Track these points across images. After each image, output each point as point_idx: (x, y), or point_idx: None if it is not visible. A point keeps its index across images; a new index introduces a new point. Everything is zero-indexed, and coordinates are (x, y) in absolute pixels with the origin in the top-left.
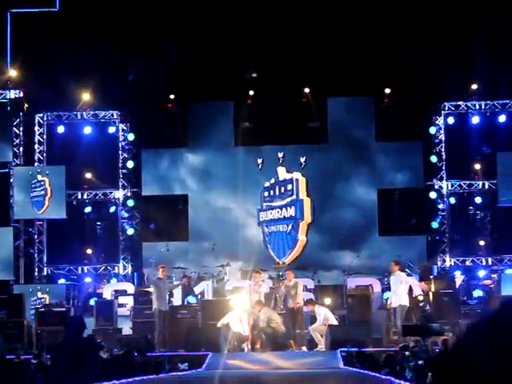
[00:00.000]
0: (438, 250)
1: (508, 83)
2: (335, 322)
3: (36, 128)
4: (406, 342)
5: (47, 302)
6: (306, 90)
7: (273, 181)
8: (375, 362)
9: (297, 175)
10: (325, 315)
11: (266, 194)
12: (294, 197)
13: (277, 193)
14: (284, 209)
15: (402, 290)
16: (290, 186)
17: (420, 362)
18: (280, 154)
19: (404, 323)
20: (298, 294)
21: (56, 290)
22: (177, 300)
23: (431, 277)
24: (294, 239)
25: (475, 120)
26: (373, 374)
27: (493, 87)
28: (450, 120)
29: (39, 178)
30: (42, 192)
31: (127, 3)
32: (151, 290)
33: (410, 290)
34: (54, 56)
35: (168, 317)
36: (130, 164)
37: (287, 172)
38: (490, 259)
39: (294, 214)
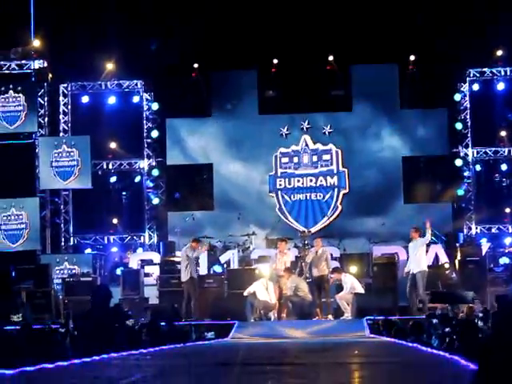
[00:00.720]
0: (464, 217)
1: None
2: (362, 291)
3: (60, 98)
4: (431, 310)
5: (74, 272)
6: (330, 58)
7: (295, 148)
8: (401, 329)
9: (331, 146)
10: (351, 284)
11: (286, 160)
12: (334, 167)
13: (305, 161)
14: (321, 177)
15: (421, 255)
16: (327, 156)
17: (447, 330)
18: (305, 122)
19: (432, 290)
20: (326, 261)
21: (82, 259)
22: (203, 269)
23: (457, 244)
24: (334, 207)
25: (500, 86)
26: (399, 341)
27: None
28: (475, 87)
29: (66, 148)
30: (73, 163)
31: None
32: (177, 259)
33: (436, 257)
34: (77, 26)
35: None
36: (155, 133)
37: (312, 140)
38: None
39: (336, 183)
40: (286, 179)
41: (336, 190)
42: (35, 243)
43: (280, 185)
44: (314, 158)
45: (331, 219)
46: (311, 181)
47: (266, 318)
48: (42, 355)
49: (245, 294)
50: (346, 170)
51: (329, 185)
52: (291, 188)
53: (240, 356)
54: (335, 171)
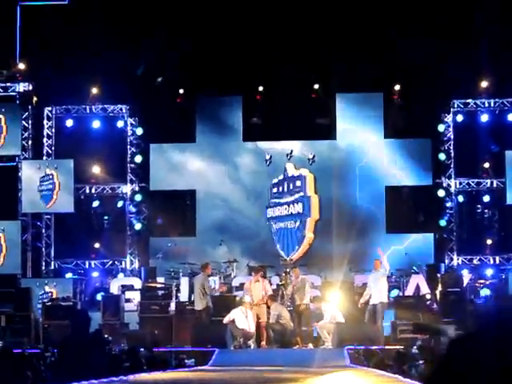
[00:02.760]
0: (446, 248)
1: None
2: (342, 320)
3: (45, 121)
4: (412, 340)
5: (54, 297)
6: (316, 86)
7: (281, 177)
8: (381, 360)
9: (305, 171)
10: (331, 313)
11: (275, 190)
12: (302, 193)
13: (285, 189)
14: (292, 205)
15: (382, 286)
16: (298, 183)
17: (421, 362)
18: (288, 150)
19: (414, 321)
20: (305, 291)
21: (63, 284)
22: (184, 296)
23: (438, 275)
24: (301, 236)
25: (484, 118)
26: (380, 371)
27: (502, 85)
28: (459, 118)
29: (47, 171)
30: (51, 186)
31: None
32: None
33: (418, 288)
34: (63, 49)
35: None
36: (138, 158)
37: (295, 168)
38: (497, 258)
39: (301, 211)
40: (274, 208)
41: (302, 217)
42: (16, 267)
43: (269, 214)
44: (291, 186)
45: (301, 249)
46: (286, 209)
47: (246, 346)
48: (22, 381)
49: (224, 321)
50: (311, 196)
51: (296, 212)
52: (276, 216)
53: None
54: (302, 198)
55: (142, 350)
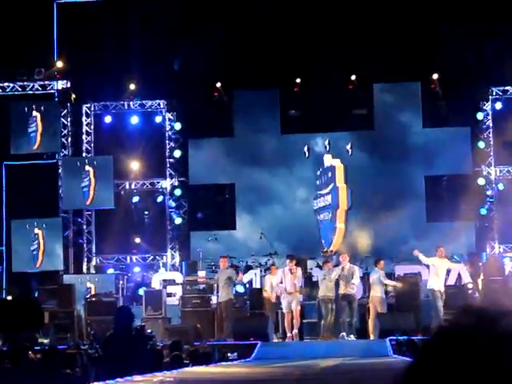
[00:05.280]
0: (487, 236)
1: None
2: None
3: (83, 118)
4: None
5: (97, 292)
6: (353, 77)
7: (322, 169)
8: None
9: (335, 162)
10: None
11: (318, 182)
12: (332, 184)
13: (323, 181)
14: (326, 196)
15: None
16: (329, 174)
17: None
18: (326, 142)
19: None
20: (355, 279)
21: (105, 279)
22: None
23: (480, 264)
24: (334, 227)
25: None
26: None
27: None
28: (498, 105)
29: (88, 168)
30: (87, 183)
31: None
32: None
33: (459, 277)
34: (100, 46)
35: (230, 308)
36: (177, 153)
37: (332, 159)
38: None
39: (330, 202)
40: (316, 200)
41: (332, 209)
42: (58, 263)
43: (314, 205)
44: (325, 177)
45: (335, 240)
46: (323, 201)
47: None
48: (67, 378)
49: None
50: (339, 186)
51: (327, 204)
52: (317, 209)
53: (264, 379)
54: (332, 189)
55: (184, 344)
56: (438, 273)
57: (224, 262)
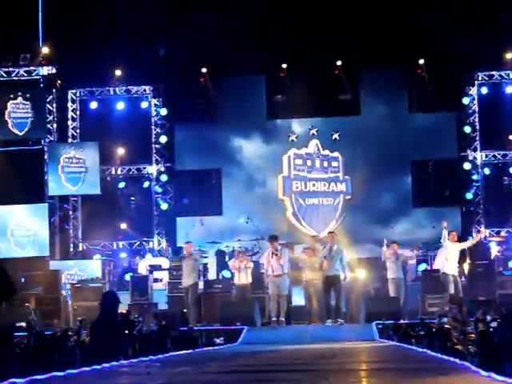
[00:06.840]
0: (473, 221)
1: None
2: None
3: (69, 104)
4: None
5: (83, 278)
6: (338, 63)
7: (307, 151)
8: (409, 334)
9: (338, 154)
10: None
11: (300, 162)
12: (341, 174)
13: (317, 165)
14: (332, 183)
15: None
16: (335, 163)
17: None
18: (312, 127)
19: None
20: (341, 261)
21: (91, 265)
22: (212, 274)
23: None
24: (341, 212)
25: (509, 90)
26: (409, 346)
27: None
28: (484, 90)
29: (74, 154)
30: (82, 169)
31: None
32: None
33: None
34: (85, 32)
35: (194, 293)
36: (163, 139)
37: (321, 145)
38: None
39: (344, 190)
40: (302, 182)
41: (342, 196)
42: (44, 249)
43: (296, 187)
44: (325, 164)
45: (339, 223)
46: (324, 185)
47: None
48: (52, 363)
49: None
50: (349, 178)
51: (338, 190)
52: (306, 191)
53: (250, 363)
54: (341, 178)
55: (171, 329)
56: (450, 256)
57: (189, 248)
